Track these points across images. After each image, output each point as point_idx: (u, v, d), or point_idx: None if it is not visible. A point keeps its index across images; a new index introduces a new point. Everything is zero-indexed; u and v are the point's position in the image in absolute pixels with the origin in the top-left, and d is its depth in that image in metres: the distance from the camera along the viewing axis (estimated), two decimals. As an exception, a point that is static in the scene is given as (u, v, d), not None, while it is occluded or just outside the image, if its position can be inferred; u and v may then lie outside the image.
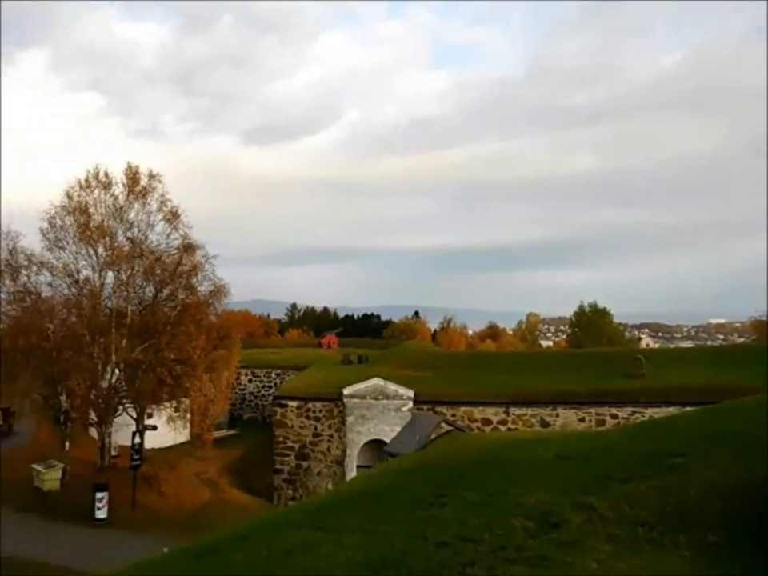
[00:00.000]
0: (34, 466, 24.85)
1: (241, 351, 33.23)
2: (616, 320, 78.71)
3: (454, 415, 27.81)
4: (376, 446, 28.05)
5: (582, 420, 27.37)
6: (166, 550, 16.05)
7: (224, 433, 36.12)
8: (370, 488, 8.57)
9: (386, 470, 10.57)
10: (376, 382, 29.28)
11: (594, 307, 72.81)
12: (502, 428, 27.88)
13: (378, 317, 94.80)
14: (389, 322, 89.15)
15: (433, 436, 18.33)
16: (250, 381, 43.51)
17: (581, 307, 73.87)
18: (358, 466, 28.49)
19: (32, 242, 27.41)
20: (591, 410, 27.30)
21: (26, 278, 27.55)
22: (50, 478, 24.42)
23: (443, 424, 21.45)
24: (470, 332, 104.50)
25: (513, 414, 28.26)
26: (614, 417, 26.78)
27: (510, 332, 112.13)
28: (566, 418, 27.52)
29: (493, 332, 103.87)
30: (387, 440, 25.30)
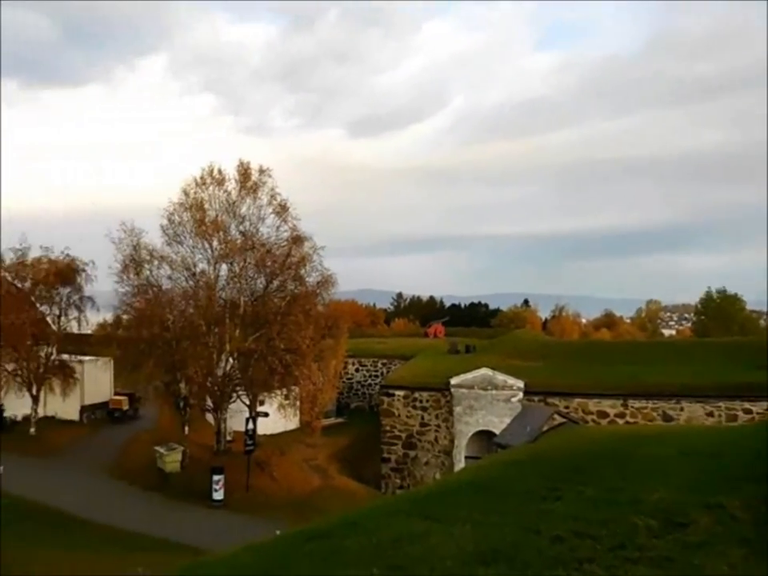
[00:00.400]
0: (157, 448, 26.80)
1: (348, 341, 33.97)
2: (749, 307, 73.20)
3: (567, 407, 27.04)
4: (485, 437, 27.82)
5: (711, 415, 25.75)
6: (278, 532, 16.88)
7: (332, 421, 37.10)
8: (479, 479, 8.51)
9: (496, 462, 10.45)
10: (484, 371, 28.98)
11: (723, 293, 68.06)
12: (620, 421, 26.79)
13: (486, 305, 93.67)
14: (497, 311, 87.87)
15: (545, 428, 17.93)
16: (357, 370, 44.41)
17: (708, 293, 69.31)
18: (466, 457, 28.39)
19: (153, 237, 29.41)
20: (720, 403, 25.62)
21: (148, 272, 29.57)
22: (172, 460, 26.25)
23: (556, 416, 20.91)
24: (584, 321, 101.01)
25: (632, 406, 27.07)
26: (748, 412, 25.01)
27: (628, 320, 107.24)
28: (691, 413, 26.00)
29: (608, 320, 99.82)
30: (496, 431, 25.03)
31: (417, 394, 30.88)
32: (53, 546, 17.10)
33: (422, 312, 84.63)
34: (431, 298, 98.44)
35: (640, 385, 27.07)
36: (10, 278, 30.98)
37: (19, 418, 30.28)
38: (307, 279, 30.19)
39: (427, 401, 30.64)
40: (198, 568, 5.06)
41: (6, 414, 29.75)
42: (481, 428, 28.63)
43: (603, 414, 27.38)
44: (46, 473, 24.88)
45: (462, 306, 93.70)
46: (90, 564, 15.69)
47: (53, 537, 18.32)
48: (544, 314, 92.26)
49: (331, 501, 23.37)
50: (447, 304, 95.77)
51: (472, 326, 66.59)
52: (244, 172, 29.55)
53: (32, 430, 29.51)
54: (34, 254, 31.28)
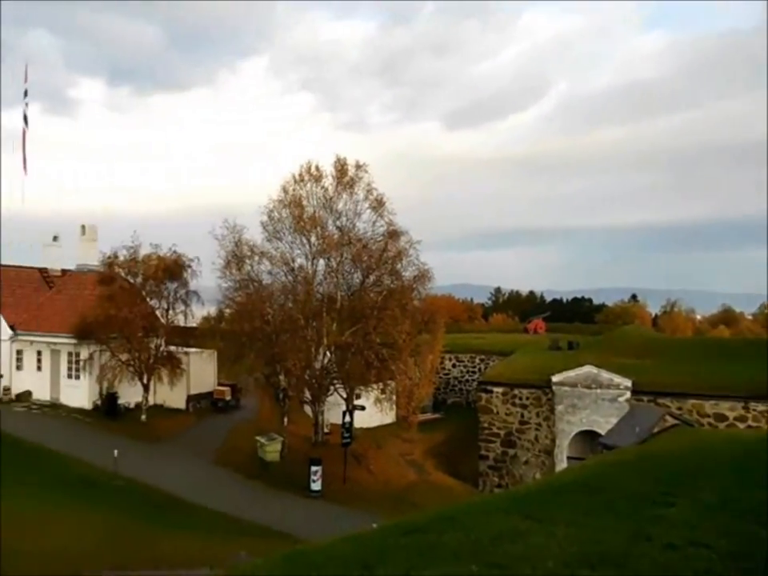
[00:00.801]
0: (258, 438, 27.86)
1: (445, 336, 33.89)
2: None
3: (680, 408, 25.70)
4: (588, 437, 26.94)
5: None
6: (375, 525, 17.14)
7: (428, 416, 37.10)
8: (584, 480, 8.22)
9: (603, 463, 10.07)
10: (588, 369, 28.04)
11: None
12: (740, 425, 25.15)
13: (590, 300, 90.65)
14: (602, 306, 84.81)
15: (656, 429, 17.08)
16: (453, 366, 44.22)
17: None
18: (568, 458, 27.62)
19: (254, 234, 30.57)
20: None
21: (249, 267, 30.75)
22: (272, 450, 27.22)
23: (668, 417, 19.87)
24: (699, 317, 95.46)
25: (754, 410, 25.35)
26: None
27: (749, 317, 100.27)
28: (823, 418, 24.00)
29: (727, 317, 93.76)
30: (601, 431, 24.17)
31: (516, 391, 30.34)
32: (165, 527, 18.20)
33: (522, 307, 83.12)
34: (531, 292, 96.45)
35: (764, 386, 25.25)
36: (123, 274, 33.03)
37: (132, 406, 32.30)
38: (403, 274, 30.40)
39: (527, 398, 30.03)
40: (297, 555, 5.19)
41: (119, 401, 31.83)
42: (584, 428, 27.74)
43: (721, 417, 25.82)
44: (156, 457, 26.51)
45: (564, 300, 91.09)
46: (198, 546, 16.59)
47: (164, 518, 19.49)
48: (654, 309, 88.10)
49: (427, 496, 23.45)
50: (548, 299, 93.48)
51: (574, 321, 64.66)
52: (341, 168, 30.08)
53: (143, 416, 31.45)
54: (144, 251, 33.10)
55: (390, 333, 28.40)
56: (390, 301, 29.22)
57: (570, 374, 28.40)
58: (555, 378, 28.69)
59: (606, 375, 27.58)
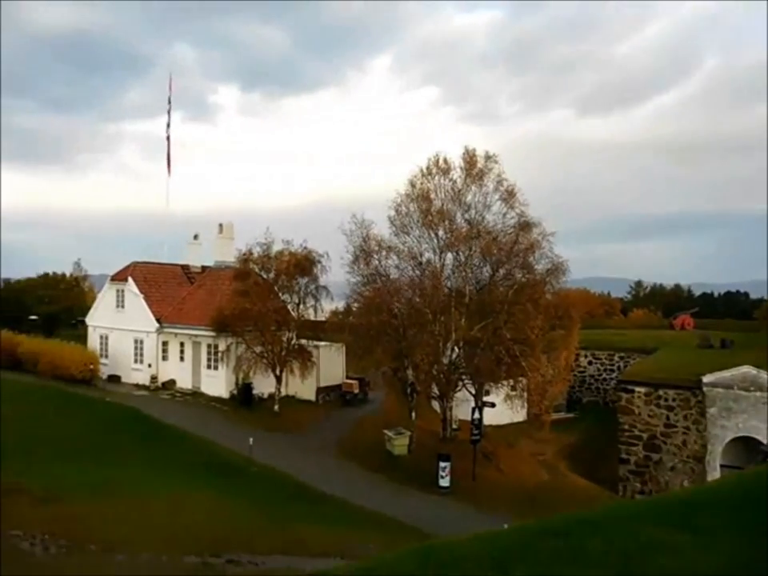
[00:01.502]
0: (386, 431, 28.21)
1: (580, 331, 32.63)
2: None
3: None
4: (745, 444, 24.80)
5: None
6: (506, 526, 16.76)
7: (562, 415, 35.93)
8: (744, 491, 7.45)
9: (764, 474, 9.11)
10: (746, 370, 25.80)
11: None
12: None
13: (746, 294, 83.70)
14: (761, 301, 77.88)
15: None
16: (590, 363, 42.47)
17: None
18: (721, 466, 25.59)
19: (381, 229, 30.93)
20: None
21: (377, 262, 31.17)
22: (400, 443, 27.47)
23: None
24: None
25: None
26: None
27: None
28: None
29: None
30: (761, 439, 22.16)
31: (661, 392, 28.53)
32: (296, 515, 18.88)
33: (666, 302, 78.29)
34: (677, 286, 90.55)
35: None
36: (257, 270, 34.65)
37: (265, 396, 33.75)
38: (536, 267, 29.62)
39: (674, 399, 28.15)
40: (429, 551, 5.06)
41: (254, 392, 33.49)
42: (741, 434, 25.57)
43: None
44: (288, 446, 27.59)
45: (716, 294, 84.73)
46: (329, 535, 17.03)
47: (296, 506, 20.24)
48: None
49: (561, 499, 22.64)
50: (696, 293, 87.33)
51: (728, 317, 59.88)
52: (470, 159, 29.74)
53: (276, 407, 32.82)
54: (276, 247, 34.44)
55: (522, 328, 27.73)
56: (522, 295, 28.54)
57: (725, 374, 26.27)
58: (707, 379, 26.66)
59: (766, 377, 25.25)
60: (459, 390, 30.03)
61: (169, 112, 45.10)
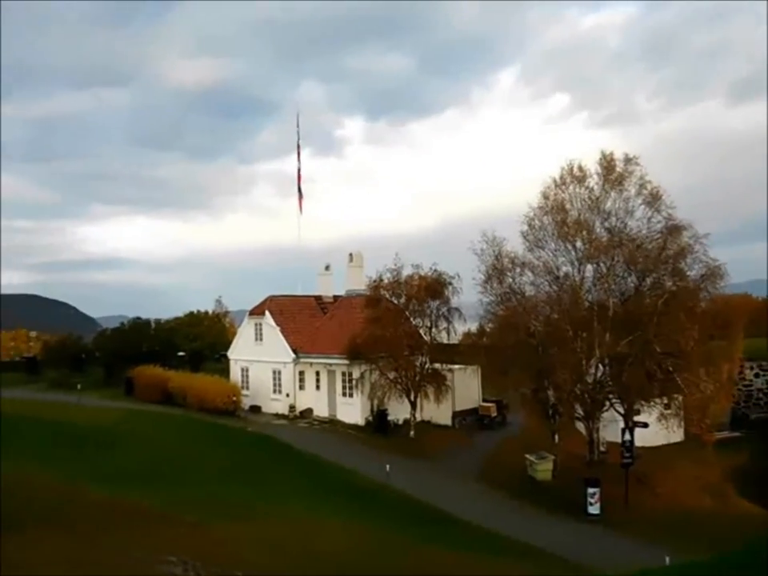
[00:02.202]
0: (527, 456, 27.19)
1: (744, 341, 29.93)
2: None
3: None
4: None
5: None
6: (667, 558, 15.38)
7: (725, 434, 33.30)
8: None
9: None
10: None
11: None
12: None
13: None
14: None
15: None
16: (756, 375, 39.02)
17: None
18: None
19: (514, 245, 30.30)
20: None
21: (510, 280, 30.54)
22: (543, 468, 26.34)
23: None
24: None
25: None
26: None
27: None
28: None
29: None
30: None
31: None
32: (435, 541, 18.47)
33: None
34: None
35: None
36: (387, 296, 35.14)
37: (400, 422, 33.88)
38: (688, 273, 27.86)
39: None
40: None
41: (389, 418, 33.65)
42: None
43: None
44: (424, 472, 27.32)
45: None
46: (470, 563, 16.47)
47: (435, 532, 19.84)
48: None
49: (727, 527, 20.47)
50: None
51: None
52: (607, 164, 28.66)
53: (411, 432, 32.80)
54: (406, 272, 34.83)
55: (675, 340, 26.02)
56: (673, 304, 26.79)
57: None
58: None
59: None
60: (606, 410, 28.46)
61: (298, 150, 47.42)
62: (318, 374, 37.93)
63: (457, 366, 36.58)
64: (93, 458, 24.30)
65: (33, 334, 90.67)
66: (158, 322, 59.03)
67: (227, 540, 16.48)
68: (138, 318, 57.62)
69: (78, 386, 41.78)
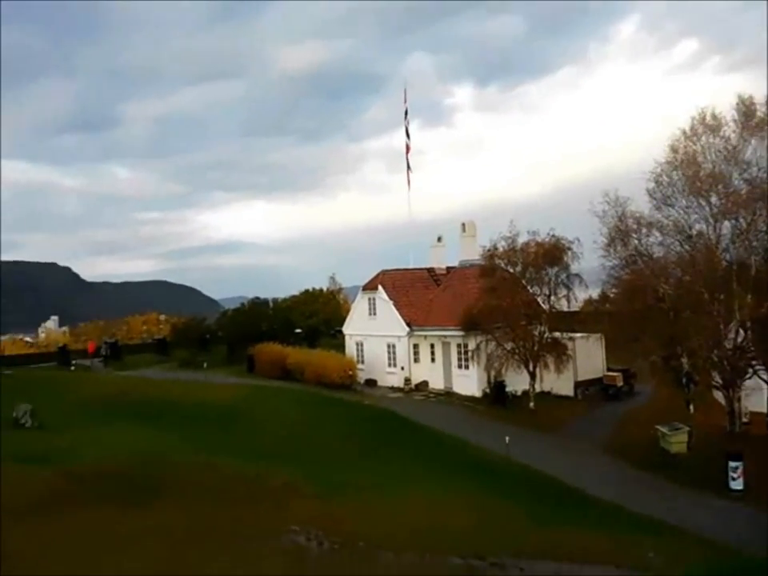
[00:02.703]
0: (659, 427, 25.78)
1: None
2: None
3: None
4: None
5: None
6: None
7: None
8: None
9: None
10: None
11: None
12: None
13: None
14: None
15: None
16: None
17: None
18: None
19: (639, 204, 28.56)
20: None
21: (636, 242, 28.81)
22: (677, 440, 24.90)
23: None
24: None
25: None
26: None
27: None
28: None
29: None
30: None
31: None
32: (560, 517, 17.85)
33: None
34: None
35: None
36: (503, 265, 34.40)
37: (519, 393, 33.21)
38: None
39: None
40: (727, 565, 4.01)
41: (507, 389, 33.06)
42: None
43: None
44: (546, 445, 26.56)
45: None
46: (600, 540, 15.77)
47: (560, 508, 19.20)
48: None
49: None
50: None
51: None
52: (746, 109, 26.38)
53: (531, 404, 32.11)
54: (522, 239, 33.94)
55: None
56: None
57: None
58: None
59: None
60: (749, 378, 26.41)
61: (406, 123, 47.40)
62: (432, 346, 37.94)
63: (578, 335, 35.36)
64: (222, 433, 25.54)
65: (162, 317, 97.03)
66: (275, 301, 61.24)
67: (350, 513, 16.70)
68: (257, 298, 60.01)
69: (204, 365, 44.01)
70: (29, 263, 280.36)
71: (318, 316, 54.83)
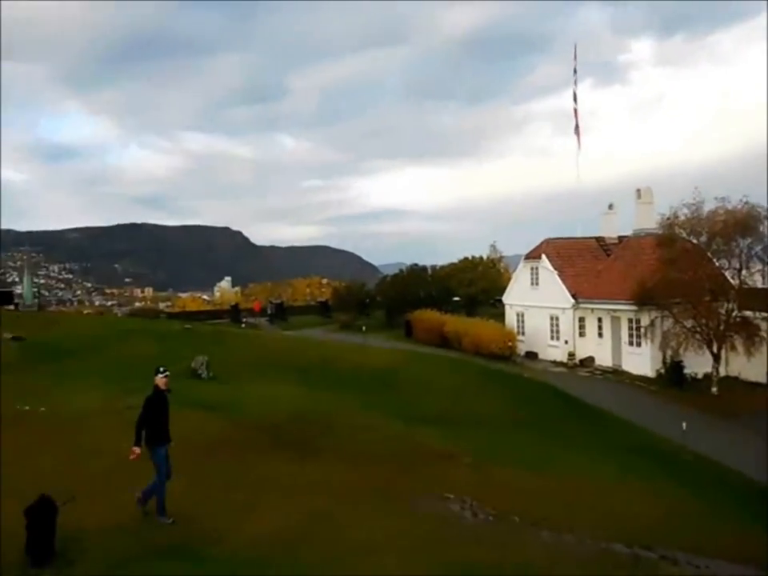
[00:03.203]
0: None
1: None
2: None
3: None
4: None
5: None
6: None
7: None
8: None
9: None
10: None
11: None
12: None
13: None
14: None
15: None
16: None
17: None
18: None
19: None
20: None
21: None
22: None
23: None
24: None
25: None
26: None
27: None
28: None
29: None
30: None
31: None
32: (745, 517, 16.27)
33: None
34: None
35: None
36: (684, 234, 31.94)
37: (699, 376, 30.81)
38: None
39: None
40: None
41: (685, 371, 30.74)
42: None
43: None
44: (730, 435, 24.29)
45: None
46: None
47: (746, 506, 17.51)
48: None
49: None
50: None
51: None
52: None
53: (713, 389, 29.62)
54: (708, 206, 31.30)
55: None
56: None
57: None
58: None
59: None
60: None
61: (575, 82, 45.46)
62: (600, 320, 36.26)
63: (776, 314, 32.02)
64: (380, 396, 26.01)
65: (324, 280, 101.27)
66: (433, 268, 61.41)
67: (507, 486, 16.30)
68: (416, 265, 60.56)
69: (363, 328, 45.26)
70: (206, 227, 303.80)
71: (476, 284, 54.28)
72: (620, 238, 40.35)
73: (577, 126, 44.90)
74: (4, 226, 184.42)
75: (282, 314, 58.95)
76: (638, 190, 38.55)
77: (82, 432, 15.92)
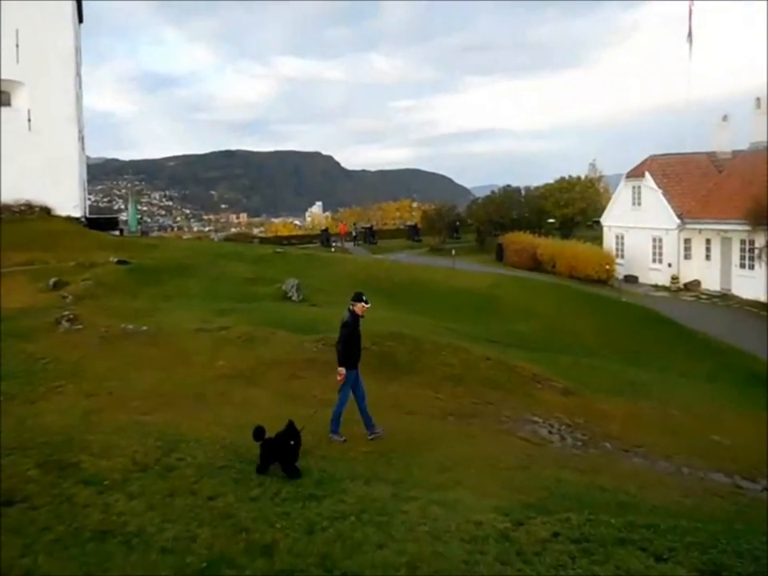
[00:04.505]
0: None
1: None
2: None
3: None
4: None
5: None
6: None
7: None
8: None
9: None
10: None
11: None
12: None
13: None
14: None
15: None
16: None
17: None
18: None
19: None
20: None
21: None
22: None
23: None
24: None
25: None
26: None
27: None
28: None
29: None
30: None
31: None
32: None
33: None
34: None
35: None
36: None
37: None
38: None
39: None
40: None
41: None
42: None
43: None
44: None
45: None
46: None
47: None
48: None
49: None
50: None
51: None
52: None
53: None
54: None
55: None
56: None
57: None
58: None
59: None
60: None
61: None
62: (708, 241, 34.50)
63: None
64: (471, 320, 25.88)
65: (414, 204, 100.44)
66: (527, 189, 59.59)
67: (601, 412, 15.99)
68: (509, 186, 58.92)
69: (453, 252, 44.87)
70: (297, 152, 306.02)
71: (573, 205, 52.34)
72: (734, 152, 37.86)
73: (690, 32, 41.71)
74: (109, 156, 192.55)
75: (371, 237, 59.23)
76: (758, 99, 35.82)
77: (178, 348, 16.67)
